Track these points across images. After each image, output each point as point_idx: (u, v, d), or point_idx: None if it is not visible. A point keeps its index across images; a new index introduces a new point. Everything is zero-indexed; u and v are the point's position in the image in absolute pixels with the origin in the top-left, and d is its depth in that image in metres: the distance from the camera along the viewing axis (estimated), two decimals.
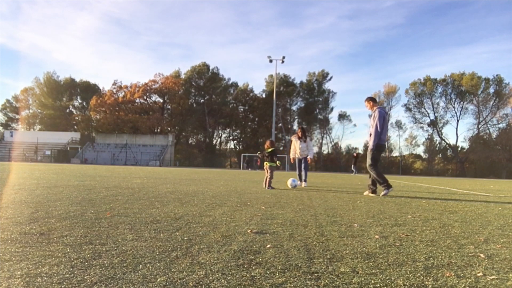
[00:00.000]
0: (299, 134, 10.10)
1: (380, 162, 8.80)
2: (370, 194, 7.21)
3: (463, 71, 59.36)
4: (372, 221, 3.74)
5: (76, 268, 1.87)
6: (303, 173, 9.94)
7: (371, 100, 7.51)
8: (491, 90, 58.41)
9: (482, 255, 2.41)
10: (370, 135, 7.22)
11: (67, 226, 2.95)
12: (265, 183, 8.47)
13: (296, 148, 10.14)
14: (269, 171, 8.57)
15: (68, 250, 2.22)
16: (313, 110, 64.85)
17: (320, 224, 3.48)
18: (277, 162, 8.77)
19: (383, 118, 7.10)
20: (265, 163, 8.78)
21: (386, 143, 7.35)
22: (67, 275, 1.76)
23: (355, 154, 32.24)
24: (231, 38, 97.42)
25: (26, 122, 69.05)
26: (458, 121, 61.00)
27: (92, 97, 60.60)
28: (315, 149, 67.11)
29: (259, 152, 9.32)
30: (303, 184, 9.76)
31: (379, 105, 7.40)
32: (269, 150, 8.76)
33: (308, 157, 10.02)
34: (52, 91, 65.36)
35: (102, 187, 7.04)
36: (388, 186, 7.06)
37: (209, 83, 63.93)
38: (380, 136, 7.08)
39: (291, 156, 10.28)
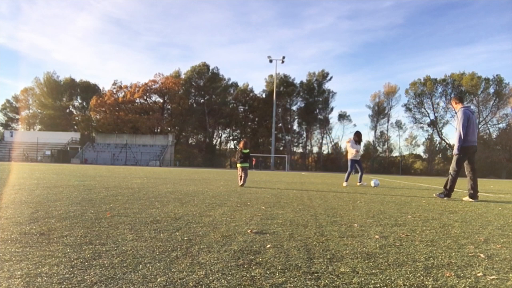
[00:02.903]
0: (356, 138, 10.95)
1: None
2: (472, 200, 6.60)
3: (463, 71, 59.47)
4: (372, 221, 3.74)
5: (76, 268, 1.87)
6: (359, 173, 10.95)
7: (456, 98, 7.02)
8: (491, 90, 58.44)
9: (482, 255, 2.41)
10: None
11: (67, 226, 2.95)
12: (240, 181, 8.62)
13: (352, 151, 10.86)
14: (242, 171, 8.67)
15: (68, 250, 2.22)
16: (313, 110, 64.82)
17: (320, 224, 3.48)
18: (245, 163, 8.86)
19: (467, 118, 6.59)
20: (238, 163, 8.84)
21: (476, 144, 6.82)
22: (67, 275, 1.76)
23: None
24: (231, 38, 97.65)
25: (26, 122, 69.04)
26: None
27: (92, 97, 60.61)
28: (315, 149, 67.20)
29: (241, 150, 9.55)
30: (363, 183, 10.68)
31: (465, 104, 6.86)
32: (245, 151, 8.85)
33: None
34: (52, 91, 65.36)
35: (102, 187, 7.03)
36: (447, 195, 6.77)
37: (209, 83, 63.92)
38: (467, 137, 6.59)
39: (350, 157, 10.95)
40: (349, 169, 10.89)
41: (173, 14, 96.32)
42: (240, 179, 8.68)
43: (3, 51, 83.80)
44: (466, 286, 1.80)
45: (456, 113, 6.87)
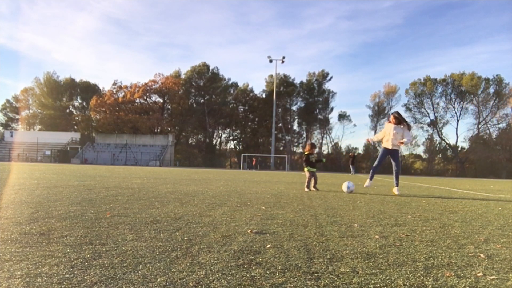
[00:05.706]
0: (394, 120, 7.78)
1: (380, 163, 8.09)
2: None
3: (463, 71, 59.44)
4: (372, 221, 3.74)
5: (76, 268, 1.87)
6: (394, 173, 7.77)
7: None
8: (491, 90, 58.44)
9: (482, 255, 2.41)
10: None
11: (67, 226, 2.95)
12: (307, 186, 8.25)
13: (388, 134, 7.81)
14: (307, 175, 8.37)
15: (68, 250, 2.22)
16: (313, 110, 64.80)
17: (320, 224, 3.48)
18: (311, 167, 8.43)
19: None
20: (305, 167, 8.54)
21: None
22: (67, 275, 1.76)
23: (351, 154, 32.64)
24: (231, 39, 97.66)
25: (26, 122, 69.00)
26: (458, 121, 61.04)
27: (92, 97, 60.59)
28: (315, 150, 66.89)
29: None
30: (395, 190, 7.66)
31: None
32: (306, 153, 8.61)
33: (405, 139, 7.63)
34: (52, 91, 65.33)
35: (102, 187, 7.03)
36: None
37: (209, 83, 63.89)
38: None
39: (374, 139, 8.63)
40: (377, 163, 7.95)
41: (173, 14, 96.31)
42: (308, 184, 8.31)
43: (3, 51, 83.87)
44: (466, 286, 1.80)
45: None
